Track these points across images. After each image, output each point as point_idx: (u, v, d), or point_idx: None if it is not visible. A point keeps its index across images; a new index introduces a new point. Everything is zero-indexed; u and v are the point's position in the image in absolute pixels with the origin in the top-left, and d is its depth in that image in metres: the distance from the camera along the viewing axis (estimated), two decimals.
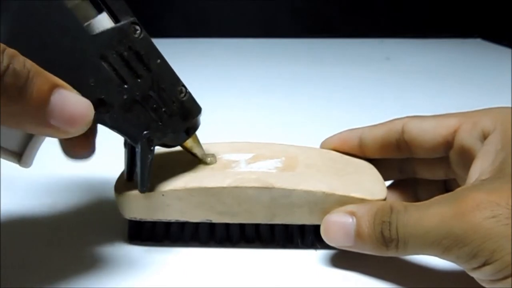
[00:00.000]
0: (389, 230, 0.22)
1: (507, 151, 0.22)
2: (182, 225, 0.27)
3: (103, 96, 0.22)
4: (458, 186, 0.27)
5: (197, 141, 0.27)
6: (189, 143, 0.26)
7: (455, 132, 0.26)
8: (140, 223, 0.27)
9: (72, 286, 0.24)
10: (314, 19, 1.04)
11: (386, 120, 0.29)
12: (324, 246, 0.25)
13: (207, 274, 0.25)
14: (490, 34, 0.97)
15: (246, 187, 0.25)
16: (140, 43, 0.22)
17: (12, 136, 0.22)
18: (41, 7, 0.19)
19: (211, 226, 0.27)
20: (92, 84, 0.21)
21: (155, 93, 0.23)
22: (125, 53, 0.22)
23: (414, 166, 0.29)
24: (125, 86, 0.22)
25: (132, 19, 0.22)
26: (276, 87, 0.64)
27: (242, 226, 0.27)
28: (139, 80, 0.22)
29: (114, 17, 0.22)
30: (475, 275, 0.21)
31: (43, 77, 0.18)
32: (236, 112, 0.53)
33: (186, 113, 0.25)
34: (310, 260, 0.26)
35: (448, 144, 0.26)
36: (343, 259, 0.26)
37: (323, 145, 0.31)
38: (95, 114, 0.21)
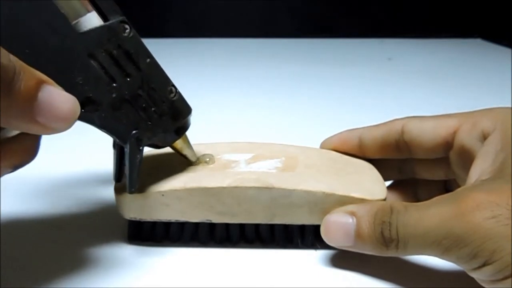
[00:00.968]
0: (389, 230, 0.22)
1: (507, 151, 0.22)
2: (182, 225, 0.27)
3: (91, 95, 0.21)
4: (458, 186, 0.27)
5: (187, 142, 0.27)
6: (179, 144, 0.26)
7: (455, 133, 0.26)
8: (140, 223, 0.27)
9: (72, 286, 0.24)
10: (314, 19, 1.04)
11: (386, 120, 0.29)
12: (324, 246, 0.25)
13: (207, 274, 0.25)
14: (490, 34, 0.97)
15: (246, 187, 0.25)
16: (129, 42, 0.22)
17: None
18: (28, 5, 0.19)
19: (211, 226, 0.27)
20: (81, 82, 0.21)
21: (144, 92, 0.23)
22: (114, 52, 0.22)
23: (414, 167, 0.29)
24: (114, 84, 0.22)
25: (121, 18, 0.22)
26: (276, 87, 0.64)
27: (242, 226, 0.27)
28: (128, 79, 0.22)
29: (103, 16, 0.22)
30: (475, 275, 0.21)
31: (29, 72, 0.18)
32: (236, 112, 0.53)
33: (176, 113, 0.25)
34: (310, 260, 0.26)
35: (448, 145, 0.26)
36: (343, 259, 0.26)
37: (323, 145, 0.31)
38: (83, 112, 0.21)
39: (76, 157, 0.39)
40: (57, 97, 0.19)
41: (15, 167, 0.22)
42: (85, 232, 0.28)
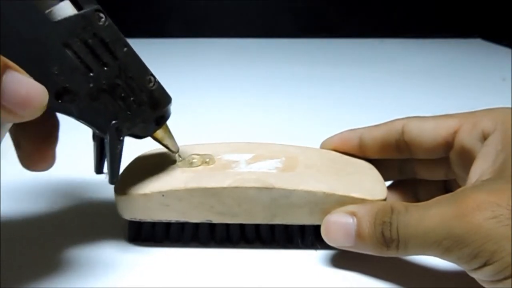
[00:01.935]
0: (390, 230, 0.22)
1: (508, 151, 0.22)
2: (182, 225, 0.27)
3: (67, 85, 0.21)
4: (458, 186, 0.27)
5: (168, 132, 0.26)
6: (159, 133, 0.26)
7: (455, 133, 0.26)
8: (140, 224, 0.27)
9: (72, 286, 0.24)
10: (314, 19, 1.04)
11: (386, 120, 0.29)
12: (324, 246, 0.25)
13: (207, 275, 0.25)
14: (490, 34, 0.97)
15: (246, 188, 0.25)
16: (105, 30, 0.22)
17: None
18: None
19: (211, 226, 0.27)
20: (56, 72, 0.21)
21: (122, 81, 0.23)
22: (90, 41, 0.21)
23: (414, 167, 0.29)
24: (91, 74, 0.22)
25: (95, 6, 0.22)
26: (276, 87, 0.64)
27: (242, 226, 0.27)
28: (105, 68, 0.22)
29: (78, 6, 0.21)
30: (476, 275, 0.21)
31: None
32: (236, 112, 0.53)
33: (156, 103, 0.24)
34: (310, 260, 0.26)
35: (448, 145, 0.26)
36: (343, 259, 0.26)
37: (323, 145, 0.31)
38: (60, 103, 0.21)
39: (76, 157, 0.39)
40: (23, 82, 0.18)
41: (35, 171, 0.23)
42: (85, 233, 0.28)
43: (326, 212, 0.25)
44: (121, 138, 0.23)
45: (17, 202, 0.32)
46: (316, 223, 0.25)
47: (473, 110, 0.26)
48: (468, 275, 0.21)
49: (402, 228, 0.22)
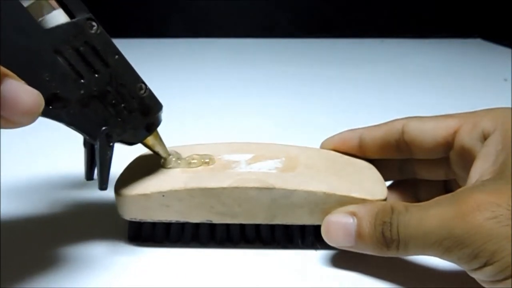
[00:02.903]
0: (390, 230, 0.22)
1: (508, 152, 0.22)
2: (182, 225, 0.27)
3: (58, 91, 0.21)
4: (459, 186, 0.27)
5: (158, 138, 0.27)
6: (150, 140, 0.26)
7: (455, 133, 0.26)
8: (140, 224, 0.27)
9: (72, 286, 0.24)
10: (314, 19, 1.04)
11: (386, 120, 0.29)
12: (325, 246, 0.25)
13: (207, 275, 0.25)
14: (490, 34, 0.97)
15: (246, 188, 0.25)
16: (97, 38, 0.22)
17: None
18: None
19: (211, 226, 0.27)
20: (47, 79, 0.21)
21: (113, 88, 0.23)
22: (81, 48, 0.22)
23: (414, 167, 0.29)
24: (82, 81, 0.22)
25: (88, 15, 0.22)
26: (276, 87, 0.65)
27: (242, 226, 0.27)
28: (96, 76, 0.22)
29: (70, 14, 0.22)
30: (476, 276, 0.21)
31: None
32: (236, 112, 0.53)
33: (146, 110, 0.25)
34: (310, 260, 0.26)
35: (448, 145, 0.26)
36: (343, 259, 0.26)
37: (323, 145, 0.31)
38: (51, 109, 0.21)
39: (76, 157, 0.38)
40: (19, 91, 0.19)
41: None
42: (85, 233, 0.28)
43: (326, 212, 0.25)
44: (111, 144, 0.24)
45: (17, 202, 0.32)
46: (316, 223, 0.25)
47: (473, 110, 0.26)
48: (468, 275, 0.21)
49: (403, 228, 0.22)
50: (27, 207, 0.31)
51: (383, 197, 0.26)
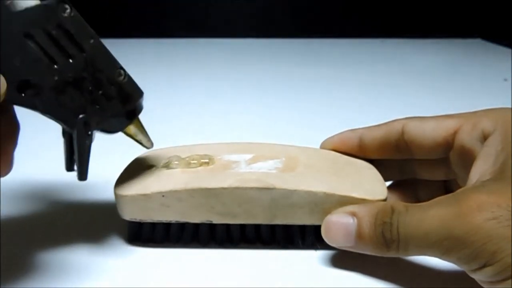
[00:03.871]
0: (390, 231, 0.22)
1: (508, 152, 0.22)
2: (183, 226, 0.27)
3: (30, 78, 0.21)
4: (459, 186, 0.27)
5: (140, 127, 0.26)
6: (132, 129, 0.25)
7: (455, 133, 0.26)
8: (140, 224, 0.27)
9: (72, 287, 0.24)
10: (314, 19, 1.04)
11: (386, 120, 0.29)
12: (325, 246, 0.25)
13: (207, 275, 0.25)
14: (490, 34, 0.97)
15: (246, 188, 0.25)
16: (70, 21, 0.21)
17: None
18: None
19: (212, 227, 0.27)
20: (18, 64, 0.20)
21: (89, 74, 0.22)
22: (54, 32, 0.21)
23: (414, 167, 0.29)
24: (55, 66, 0.21)
25: None
26: (275, 87, 0.65)
27: (242, 226, 0.27)
28: (70, 61, 0.22)
29: None
30: (476, 276, 0.21)
31: None
32: (236, 112, 0.53)
33: (126, 97, 0.24)
34: (310, 260, 0.26)
35: (448, 145, 0.26)
36: (344, 260, 0.26)
37: (323, 145, 0.31)
38: (23, 97, 0.20)
39: None
40: None
41: None
42: (85, 233, 0.28)
43: (326, 212, 0.25)
44: (90, 132, 0.23)
45: (17, 202, 0.32)
46: (316, 223, 0.25)
47: (473, 110, 0.26)
48: (468, 276, 0.21)
49: (403, 228, 0.22)
50: (27, 207, 0.31)
51: (383, 197, 0.26)
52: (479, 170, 0.23)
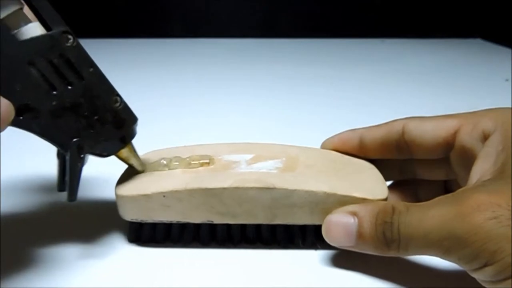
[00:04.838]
0: (391, 230, 0.22)
1: (508, 152, 0.22)
2: (183, 226, 0.27)
3: (30, 102, 0.21)
4: (459, 186, 0.27)
5: (133, 151, 0.26)
6: (124, 153, 0.26)
7: (455, 133, 0.26)
8: (140, 225, 0.27)
9: (72, 286, 0.24)
10: (314, 19, 1.04)
11: (387, 120, 0.29)
12: (325, 246, 0.25)
13: (208, 275, 0.25)
14: (490, 34, 0.97)
15: (247, 188, 0.25)
16: (72, 51, 0.22)
17: None
18: None
19: (212, 227, 0.27)
20: (18, 89, 0.21)
21: (87, 100, 0.23)
22: (55, 60, 0.22)
23: (415, 167, 0.29)
24: (54, 92, 0.22)
25: (64, 28, 0.22)
26: (276, 87, 0.65)
27: (243, 226, 0.27)
28: (69, 87, 0.22)
29: (47, 27, 0.22)
30: (476, 276, 0.21)
31: None
32: (236, 113, 0.53)
33: (120, 122, 0.24)
34: (311, 260, 0.26)
35: (448, 145, 0.26)
36: (344, 259, 0.26)
37: (324, 145, 0.31)
38: (21, 120, 0.21)
39: None
40: None
41: None
42: (85, 233, 0.28)
43: (327, 212, 0.25)
44: (82, 155, 0.24)
45: (17, 202, 0.32)
46: (317, 223, 0.26)
47: (473, 110, 0.26)
48: (468, 275, 0.21)
49: (403, 228, 0.22)
50: (27, 207, 0.31)
51: (383, 196, 0.26)
52: (480, 170, 0.23)
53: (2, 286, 0.24)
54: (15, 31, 0.21)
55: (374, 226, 0.23)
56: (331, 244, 0.25)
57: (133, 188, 0.26)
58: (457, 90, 0.63)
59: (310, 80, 0.68)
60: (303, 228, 0.27)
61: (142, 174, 0.27)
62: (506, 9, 0.94)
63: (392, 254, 0.23)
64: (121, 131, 0.25)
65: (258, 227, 0.27)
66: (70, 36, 0.22)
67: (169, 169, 0.27)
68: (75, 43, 0.22)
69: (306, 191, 0.25)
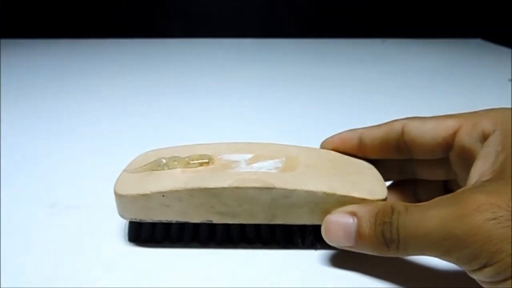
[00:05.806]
0: (390, 231, 0.22)
1: (508, 152, 0.22)
2: (182, 225, 0.27)
3: None
4: (459, 186, 0.27)
5: None
6: None
7: (455, 133, 0.26)
8: (140, 224, 0.27)
9: (72, 286, 0.24)
10: (314, 19, 1.04)
11: (386, 120, 0.29)
12: (325, 246, 0.25)
13: (207, 275, 0.25)
14: (490, 34, 0.97)
15: (246, 188, 0.25)
16: None
17: None
18: None
19: (212, 226, 0.27)
20: None
21: None
22: None
23: (414, 167, 0.29)
24: None
25: None
26: (276, 87, 0.65)
27: (242, 226, 0.27)
28: None
29: None
30: (476, 276, 0.21)
31: None
32: (236, 112, 0.53)
33: None
34: (310, 260, 0.26)
35: (448, 145, 0.26)
36: (343, 259, 0.26)
37: (323, 145, 0.31)
38: None
39: (77, 157, 0.39)
40: None
41: None
42: (85, 233, 0.28)
43: (326, 212, 0.25)
44: None
45: (17, 202, 0.32)
46: (316, 223, 0.25)
47: (473, 110, 0.26)
48: (468, 276, 0.21)
49: (403, 228, 0.22)
50: (27, 207, 0.31)
51: (383, 197, 0.26)
52: (479, 170, 0.23)
53: (2, 286, 0.24)
54: None
55: (374, 226, 0.23)
56: (331, 244, 0.25)
57: (132, 187, 0.26)
58: (457, 90, 0.63)
59: (310, 80, 0.68)
60: (302, 228, 0.27)
61: (142, 174, 0.27)
62: (506, 9, 0.94)
63: (391, 254, 0.23)
64: None
65: (257, 227, 0.27)
66: None
67: (169, 168, 0.27)
68: None
69: (306, 191, 0.25)
